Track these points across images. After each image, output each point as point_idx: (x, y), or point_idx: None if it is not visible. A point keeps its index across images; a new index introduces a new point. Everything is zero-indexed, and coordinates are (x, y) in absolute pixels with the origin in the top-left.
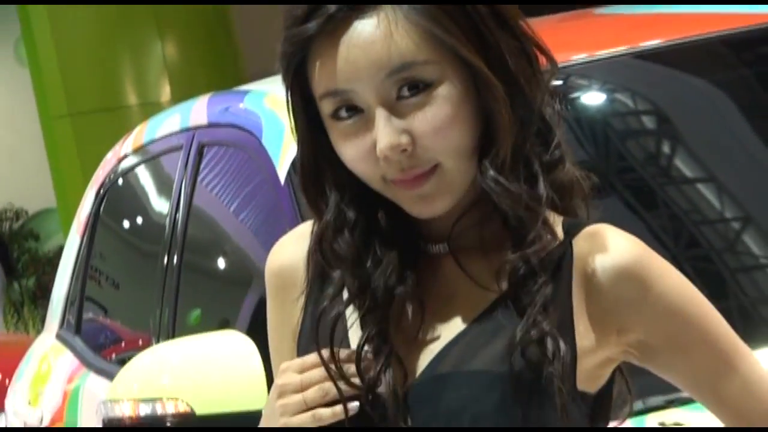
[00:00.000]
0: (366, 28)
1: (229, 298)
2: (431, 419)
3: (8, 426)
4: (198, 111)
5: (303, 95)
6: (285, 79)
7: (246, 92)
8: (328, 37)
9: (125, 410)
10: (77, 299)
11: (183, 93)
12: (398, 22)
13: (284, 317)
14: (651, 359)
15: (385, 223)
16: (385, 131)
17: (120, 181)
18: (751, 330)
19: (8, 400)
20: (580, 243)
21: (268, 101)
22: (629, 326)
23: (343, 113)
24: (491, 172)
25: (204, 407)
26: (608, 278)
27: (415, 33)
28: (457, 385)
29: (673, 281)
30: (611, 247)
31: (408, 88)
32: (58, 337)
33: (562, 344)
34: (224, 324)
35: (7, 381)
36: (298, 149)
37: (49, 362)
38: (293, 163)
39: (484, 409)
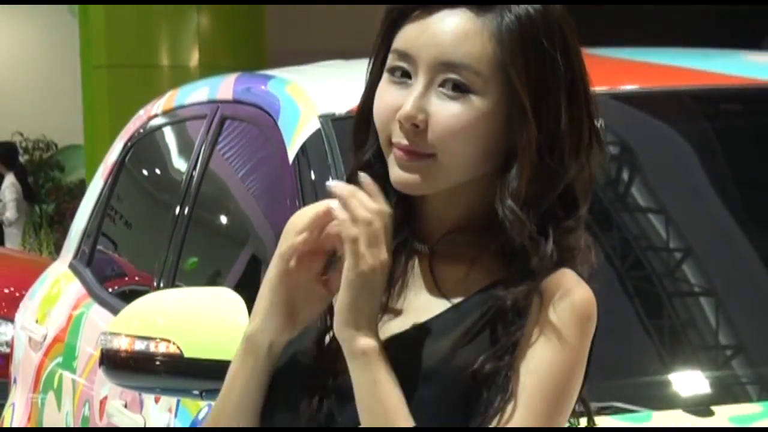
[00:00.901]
0: (456, 20)
1: (226, 255)
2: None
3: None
4: (225, 87)
5: (386, 48)
6: (382, 27)
7: (271, 77)
8: (426, 10)
9: (122, 344)
10: (93, 235)
11: (210, 60)
12: (482, 31)
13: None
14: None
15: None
16: (411, 101)
17: (147, 137)
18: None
19: (18, 314)
20: (549, 285)
21: (289, 88)
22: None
23: (397, 73)
24: (509, 202)
25: (192, 351)
26: (560, 317)
27: (486, 47)
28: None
29: (584, 342)
30: (572, 295)
31: (452, 85)
32: (71, 266)
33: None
34: (217, 275)
35: (17, 294)
36: (363, 93)
37: (59, 287)
38: (302, 147)
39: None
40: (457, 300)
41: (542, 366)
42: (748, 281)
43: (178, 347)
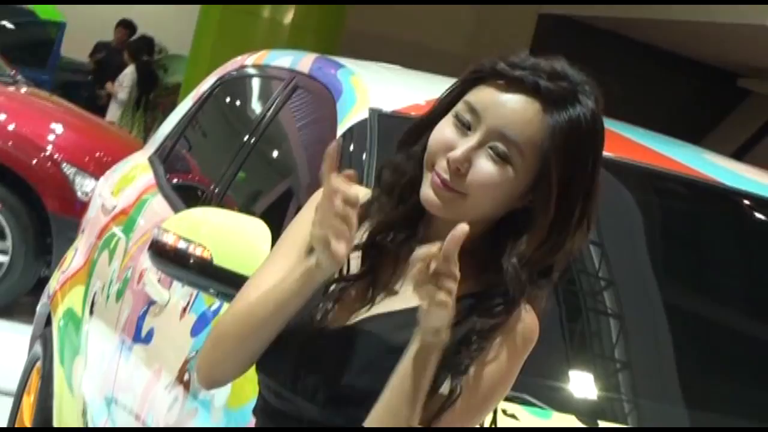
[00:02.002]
0: (525, 105)
1: (268, 189)
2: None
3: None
4: (304, 62)
5: (460, 92)
6: (465, 77)
7: (341, 66)
8: (506, 84)
9: (169, 239)
10: (173, 141)
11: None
12: (541, 122)
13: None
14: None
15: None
16: (464, 149)
17: (236, 79)
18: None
19: (101, 180)
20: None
21: (352, 79)
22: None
23: (460, 122)
24: (514, 260)
25: (220, 260)
26: (513, 341)
27: (537, 136)
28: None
29: (520, 360)
30: (525, 325)
31: (497, 151)
32: (150, 159)
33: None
34: (257, 202)
35: (104, 159)
36: (428, 114)
37: (136, 173)
38: (350, 128)
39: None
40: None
41: (491, 370)
42: (657, 321)
43: (210, 254)
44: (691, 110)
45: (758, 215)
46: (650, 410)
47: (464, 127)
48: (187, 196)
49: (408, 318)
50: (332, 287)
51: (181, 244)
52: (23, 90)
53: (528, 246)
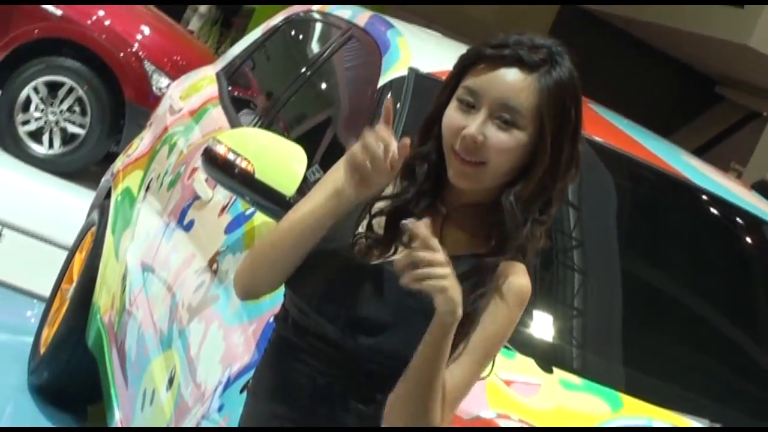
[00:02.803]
0: (519, 75)
1: (312, 118)
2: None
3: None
4: (361, 18)
5: (458, 77)
6: (457, 65)
7: (392, 26)
8: (499, 60)
9: (220, 150)
10: (239, 63)
11: None
12: (531, 86)
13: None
14: (462, 322)
15: (435, 178)
16: (476, 125)
17: (301, 20)
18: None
19: (174, 84)
20: (508, 271)
21: (400, 40)
22: (484, 302)
23: (464, 104)
24: (511, 197)
25: (260, 175)
26: (505, 291)
27: (536, 101)
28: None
29: (516, 317)
30: (520, 284)
31: (504, 120)
32: (218, 74)
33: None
34: (299, 127)
35: (180, 62)
36: (432, 105)
37: (205, 83)
38: (390, 81)
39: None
40: (451, 253)
41: (490, 328)
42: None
43: (253, 168)
44: (669, 105)
45: (712, 210)
46: (593, 363)
47: (469, 108)
48: (243, 112)
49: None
50: (362, 238)
51: (230, 156)
52: None
53: (524, 188)
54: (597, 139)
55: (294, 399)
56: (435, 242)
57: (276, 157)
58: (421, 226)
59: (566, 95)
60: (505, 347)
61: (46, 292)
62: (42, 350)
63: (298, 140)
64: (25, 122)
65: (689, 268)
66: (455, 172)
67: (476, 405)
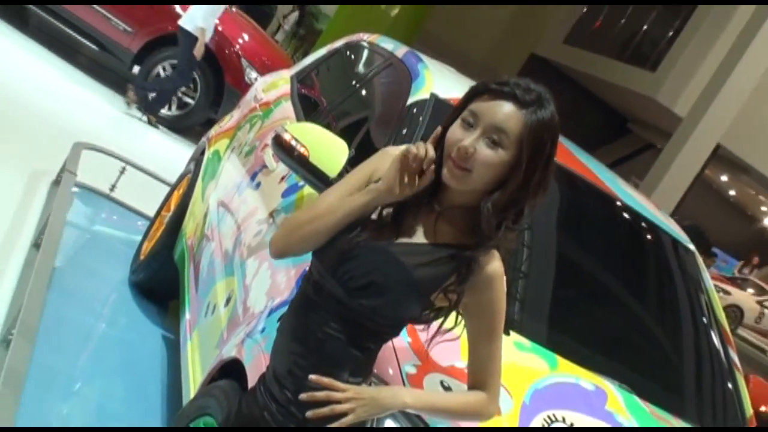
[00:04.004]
0: (511, 108)
1: (355, 123)
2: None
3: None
4: (400, 50)
5: (466, 102)
6: (467, 93)
7: (422, 60)
8: (498, 95)
9: (286, 137)
10: (309, 71)
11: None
12: (519, 119)
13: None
14: (469, 314)
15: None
16: (470, 141)
17: (355, 47)
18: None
19: (260, 79)
20: (488, 260)
21: (426, 71)
22: (473, 296)
23: (466, 123)
24: (488, 204)
25: (313, 159)
26: (486, 278)
27: (520, 130)
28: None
29: (502, 293)
30: (497, 267)
31: (492, 140)
32: (291, 77)
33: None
34: (346, 129)
35: (267, 63)
36: (445, 122)
37: (281, 82)
38: (415, 101)
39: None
40: (437, 241)
41: (489, 311)
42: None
43: (307, 153)
44: (593, 131)
45: (625, 215)
46: (539, 330)
47: (469, 127)
48: (306, 108)
49: (416, 249)
50: (374, 222)
51: (293, 142)
52: (233, 10)
53: (499, 198)
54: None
55: (306, 340)
56: (336, 384)
57: (325, 147)
58: (323, 380)
59: (545, 132)
60: None
61: (150, 215)
62: (141, 258)
63: (342, 135)
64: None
65: (613, 262)
66: (447, 172)
67: (452, 356)
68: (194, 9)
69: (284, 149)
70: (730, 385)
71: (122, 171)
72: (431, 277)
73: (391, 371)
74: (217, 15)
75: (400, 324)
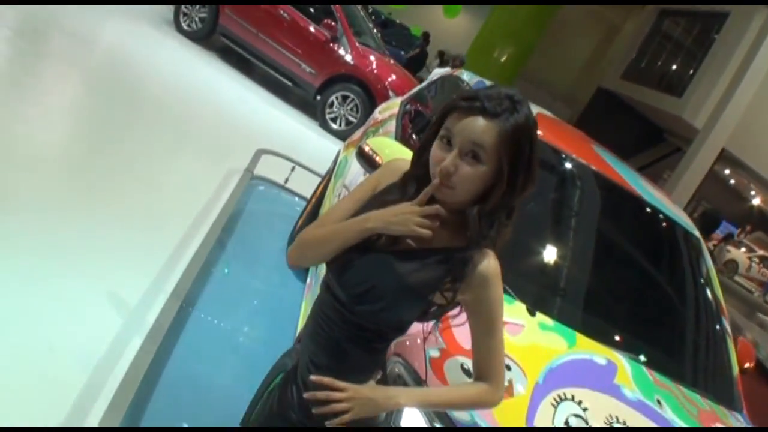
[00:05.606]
0: (483, 122)
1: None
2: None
3: None
4: (473, 80)
5: (441, 120)
6: (441, 111)
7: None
8: (469, 110)
9: (366, 149)
10: (412, 96)
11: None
12: (493, 130)
13: (368, 187)
14: (469, 310)
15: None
16: (449, 160)
17: (446, 79)
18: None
19: (383, 103)
20: (482, 258)
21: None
22: (470, 294)
23: (444, 141)
24: (474, 213)
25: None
26: (480, 276)
27: (495, 141)
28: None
29: (498, 289)
30: (493, 265)
31: (471, 155)
32: (402, 101)
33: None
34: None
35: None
36: (422, 141)
37: (394, 105)
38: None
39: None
40: (431, 246)
41: (487, 308)
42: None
43: (381, 161)
44: (639, 142)
45: (641, 207)
46: (564, 309)
47: (447, 144)
48: (404, 126)
49: (412, 255)
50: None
51: (370, 153)
52: (387, 58)
53: (486, 205)
54: (589, 164)
55: (319, 340)
56: (336, 384)
57: (394, 155)
58: (324, 380)
59: (521, 135)
60: (508, 294)
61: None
62: (295, 231)
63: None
64: (330, 113)
65: (630, 248)
66: (435, 188)
67: None
68: None
69: (365, 158)
70: (722, 350)
71: (293, 168)
72: (426, 280)
73: (416, 357)
74: None
75: (402, 326)
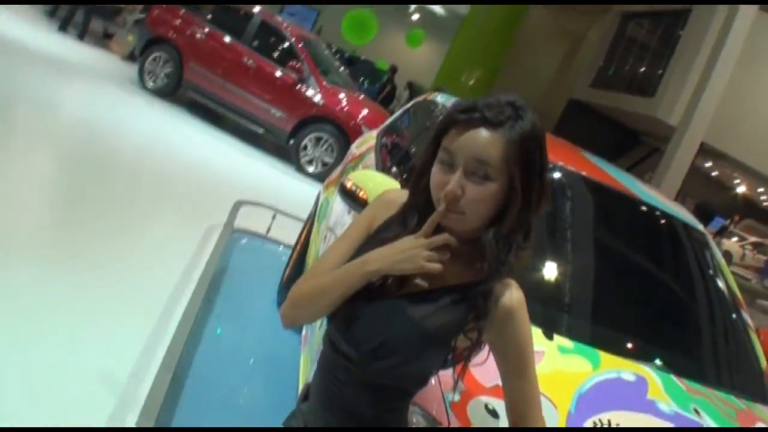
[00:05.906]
0: (486, 134)
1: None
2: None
3: None
4: (448, 101)
5: (437, 140)
6: (437, 129)
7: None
8: (468, 123)
9: (348, 184)
10: (387, 127)
11: (479, 80)
12: (498, 142)
13: (362, 226)
14: (495, 350)
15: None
16: (455, 182)
17: (419, 105)
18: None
19: (356, 141)
20: (504, 290)
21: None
22: (494, 331)
23: (445, 164)
24: (490, 237)
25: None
26: (503, 311)
27: (503, 153)
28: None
29: (526, 323)
30: (517, 296)
31: (478, 174)
32: (377, 134)
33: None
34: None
35: (368, 127)
36: (418, 163)
37: (370, 138)
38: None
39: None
40: (444, 284)
41: (517, 343)
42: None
43: (366, 195)
44: (615, 145)
45: (648, 211)
46: (581, 328)
47: (448, 167)
48: (383, 158)
49: (424, 298)
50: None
51: (353, 188)
52: (356, 94)
53: (503, 226)
54: (583, 173)
55: (330, 406)
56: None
57: (381, 188)
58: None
59: (530, 143)
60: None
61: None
62: (283, 282)
63: (402, 181)
64: (305, 156)
65: (640, 252)
66: (442, 216)
67: (494, 376)
68: None
69: (348, 195)
70: (746, 345)
71: (274, 216)
72: (445, 324)
73: (434, 404)
74: None
75: (426, 378)
